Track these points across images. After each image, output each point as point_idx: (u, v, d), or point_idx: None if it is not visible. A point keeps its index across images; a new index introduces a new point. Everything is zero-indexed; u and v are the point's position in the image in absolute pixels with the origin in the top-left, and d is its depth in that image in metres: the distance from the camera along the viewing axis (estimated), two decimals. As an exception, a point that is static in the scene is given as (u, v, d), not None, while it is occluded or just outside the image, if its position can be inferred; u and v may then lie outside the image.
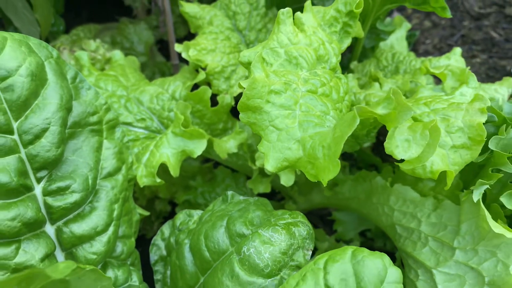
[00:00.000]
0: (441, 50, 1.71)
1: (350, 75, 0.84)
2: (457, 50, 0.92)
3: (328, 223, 1.19)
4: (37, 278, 0.34)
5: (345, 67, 1.09)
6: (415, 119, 0.61)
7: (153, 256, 0.77)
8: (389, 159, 1.16)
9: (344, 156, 1.23)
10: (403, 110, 0.47)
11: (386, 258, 0.55)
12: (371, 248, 0.90)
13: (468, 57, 1.71)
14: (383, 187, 0.82)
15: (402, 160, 0.55)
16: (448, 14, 0.82)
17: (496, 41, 1.73)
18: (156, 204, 1.11)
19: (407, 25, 1.23)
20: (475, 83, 0.67)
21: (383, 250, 1.04)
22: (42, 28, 1.13)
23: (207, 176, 1.12)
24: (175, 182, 1.12)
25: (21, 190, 0.57)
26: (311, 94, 0.59)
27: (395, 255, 0.97)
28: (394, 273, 0.54)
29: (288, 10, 0.64)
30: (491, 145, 0.62)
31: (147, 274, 0.82)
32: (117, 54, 1.04)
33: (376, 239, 1.04)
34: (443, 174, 0.77)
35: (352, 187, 0.91)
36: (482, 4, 1.82)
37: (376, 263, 0.53)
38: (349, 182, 0.93)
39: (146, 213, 0.80)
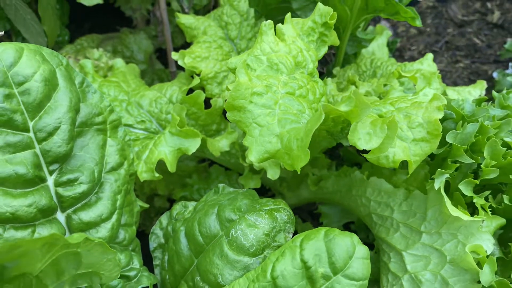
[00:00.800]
0: (426, 56, 1.80)
1: (329, 79, 0.93)
2: (429, 56, 1.00)
3: (316, 218, 1.27)
4: (57, 243, 0.42)
5: (329, 72, 1.18)
6: (381, 116, 0.69)
7: (152, 244, 0.85)
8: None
9: (331, 155, 1.31)
10: (363, 107, 0.55)
11: (355, 237, 0.63)
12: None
13: (451, 62, 1.80)
14: (361, 180, 0.90)
15: (368, 152, 0.64)
16: (418, 23, 0.90)
17: (479, 47, 1.82)
18: (155, 201, 1.19)
19: (388, 33, 1.32)
20: (437, 85, 0.76)
21: (366, 241, 1.12)
22: (49, 39, 1.22)
23: (203, 174, 1.20)
24: (173, 181, 1.20)
25: (36, 181, 0.66)
26: (290, 96, 0.68)
27: (374, 244, 1.04)
28: (361, 250, 0.61)
29: (270, 22, 0.73)
30: (448, 139, 0.70)
31: (147, 263, 0.90)
32: (119, 62, 1.13)
33: (359, 231, 1.12)
34: (416, 170, 0.86)
35: (335, 182, 1.00)
36: (465, 12, 1.92)
37: (345, 241, 0.61)
38: (333, 177, 1.01)
39: (146, 206, 0.88)
